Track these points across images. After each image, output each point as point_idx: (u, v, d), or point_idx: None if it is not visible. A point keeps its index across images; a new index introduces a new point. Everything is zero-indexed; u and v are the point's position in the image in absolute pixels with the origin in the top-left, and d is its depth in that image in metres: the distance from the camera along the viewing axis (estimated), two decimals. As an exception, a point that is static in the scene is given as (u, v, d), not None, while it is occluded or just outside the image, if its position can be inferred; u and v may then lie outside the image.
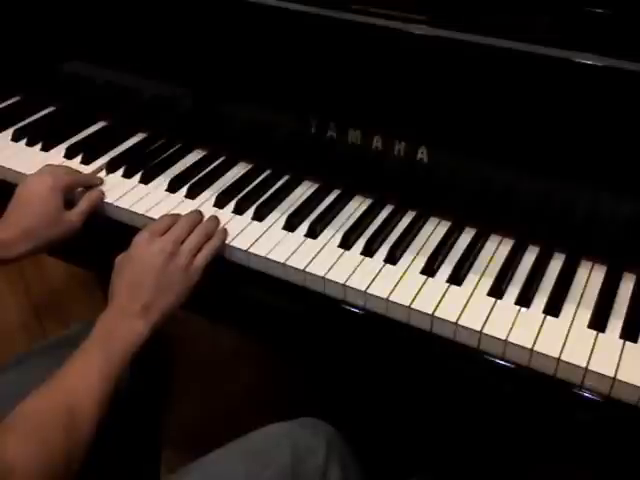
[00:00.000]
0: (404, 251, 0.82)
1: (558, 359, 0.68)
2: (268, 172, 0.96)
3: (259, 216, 0.87)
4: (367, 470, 0.85)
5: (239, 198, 0.90)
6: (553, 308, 0.73)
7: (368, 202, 0.90)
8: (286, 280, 0.81)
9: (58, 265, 1.71)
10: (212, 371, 1.55)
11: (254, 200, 0.90)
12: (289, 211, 0.88)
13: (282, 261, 0.80)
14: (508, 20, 0.76)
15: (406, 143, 0.84)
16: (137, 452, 0.98)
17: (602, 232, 0.78)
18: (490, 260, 0.80)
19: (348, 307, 0.78)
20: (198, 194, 0.92)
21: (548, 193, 0.79)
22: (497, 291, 0.75)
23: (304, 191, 0.93)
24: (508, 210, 0.83)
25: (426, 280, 0.77)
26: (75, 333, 0.88)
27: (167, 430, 1.06)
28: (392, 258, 0.80)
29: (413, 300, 0.74)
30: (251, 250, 0.82)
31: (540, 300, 0.74)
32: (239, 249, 0.82)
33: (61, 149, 1.02)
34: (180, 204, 0.90)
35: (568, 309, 0.73)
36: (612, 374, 0.66)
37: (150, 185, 0.94)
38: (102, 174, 0.96)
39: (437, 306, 0.73)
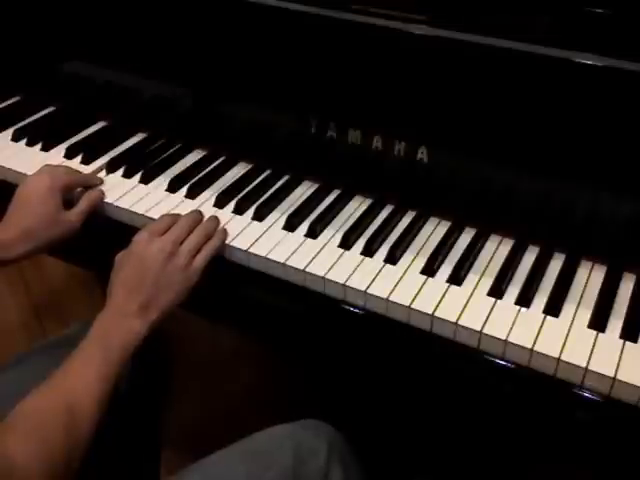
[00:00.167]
0: (404, 251, 0.82)
1: (558, 359, 0.68)
2: (268, 172, 0.96)
3: (259, 216, 0.87)
4: (368, 471, 0.85)
5: (239, 198, 0.90)
6: (553, 308, 0.73)
7: (368, 202, 0.90)
8: (286, 280, 0.81)
9: (58, 265, 1.71)
10: (212, 371, 1.55)
11: (254, 200, 0.90)
12: (289, 211, 0.88)
13: (282, 261, 0.80)
14: (508, 20, 0.76)
15: (406, 143, 0.84)
16: (137, 452, 0.98)
17: (602, 232, 0.78)
18: (490, 260, 0.80)
19: (348, 307, 0.78)
20: (198, 194, 0.92)
21: (548, 193, 0.79)
22: (497, 291, 0.75)
23: (304, 191, 0.93)
24: (508, 210, 0.83)
25: (426, 280, 0.77)
26: (75, 333, 0.88)
27: (167, 430, 1.06)
28: (392, 258, 0.80)
29: (413, 300, 0.74)
30: (251, 250, 0.82)
31: (540, 300, 0.74)
32: (239, 249, 0.82)
33: (61, 149, 1.02)
34: (180, 204, 0.90)
35: (568, 309, 0.73)
36: (612, 374, 0.66)
37: (150, 185, 0.94)
38: (102, 174, 0.96)
39: (437, 306, 0.73)
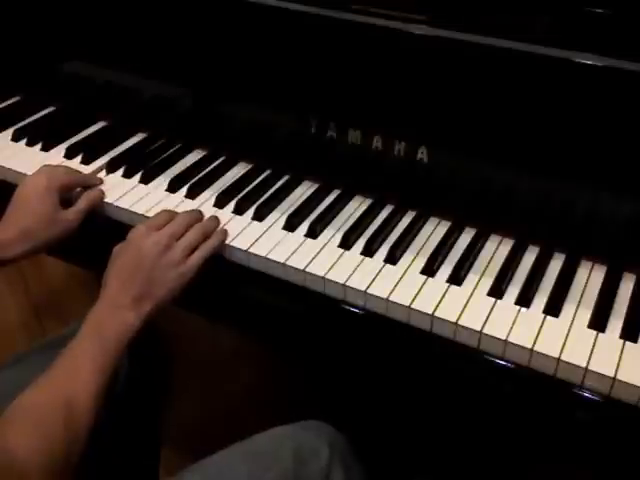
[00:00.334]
0: (404, 251, 0.82)
1: (558, 359, 0.68)
2: (268, 172, 0.96)
3: (259, 216, 0.87)
4: (369, 472, 0.85)
5: (239, 198, 0.90)
6: (553, 308, 0.73)
7: (368, 202, 0.90)
8: (286, 280, 0.81)
9: (58, 265, 1.71)
10: (212, 371, 1.55)
11: (254, 200, 0.90)
12: (289, 211, 0.88)
13: (282, 261, 0.80)
14: (508, 20, 0.76)
15: (406, 143, 0.84)
16: (136, 451, 0.98)
17: (602, 232, 0.78)
18: (490, 260, 0.80)
19: (348, 307, 0.78)
20: (198, 194, 0.92)
21: (548, 193, 0.79)
22: (497, 291, 0.75)
23: (304, 191, 0.93)
24: (508, 210, 0.83)
25: (426, 280, 0.77)
26: (74, 332, 0.87)
27: (167, 430, 1.06)
28: (392, 258, 0.80)
29: (413, 300, 0.74)
30: (251, 250, 0.82)
31: (540, 300, 0.74)
32: (239, 249, 0.82)
33: (61, 149, 1.02)
34: (180, 204, 0.90)
35: (568, 309, 0.73)
36: (612, 374, 0.66)
37: (150, 185, 0.94)
38: (102, 174, 0.96)
39: (437, 306, 0.73)
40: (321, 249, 0.82)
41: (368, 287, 0.76)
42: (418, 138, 0.83)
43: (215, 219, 0.85)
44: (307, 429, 0.80)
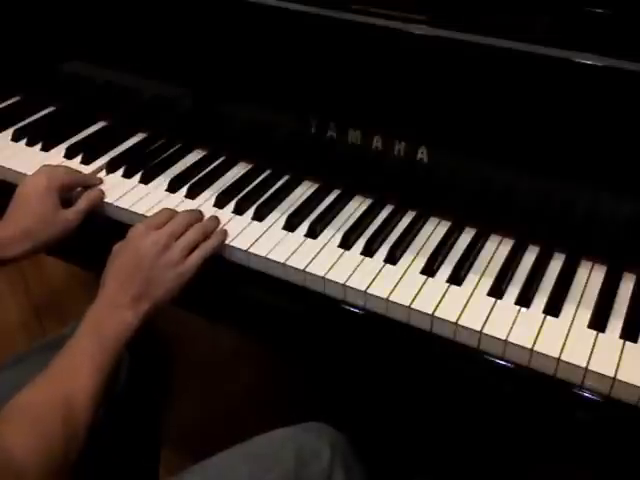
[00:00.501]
0: (404, 251, 0.82)
1: (558, 359, 0.68)
2: (268, 172, 0.96)
3: (259, 216, 0.87)
4: (370, 472, 0.85)
5: (239, 198, 0.90)
6: (553, 308, 0.73)
7: (368, 202, 0.90)
8: (286, 280, 0.81)
9: (58, 265, 1.71)
10: (212, 371, 1.55)
11: (254, 200, 0.90)
12: (289, 211, 0.88)
13: (282, 261, 0.80)
14: (508, 20, 0.76)
15: (406, 143, 0.84)
16: (137, 452, 0.98)
17: (602, 232, 0.78)
18: (490, 260, 0.80)
19: (348, 307, 0.78)
20: (198, 194, 0.92)
21: (548, 193, 0.79)
22: (497, 291, 0.75)
23: (304, 191, 0.93)
24: (508, 210, 0.83)
25: (426, 280, 0.77)
26: (73, 332, 0.87)
27: (167, 430, 1.06)
28: (392, 258, 0.80)
29: (413, 300, 0.74)
30: (251, 250, 0.82)
31: (540, 300, 0.74)
32: (239, 249, 0.82)
33: (61, 149, 1.02)
34: (180, 204, 0.90)
35: (568, 309, 0.73)
36: (612, 374, 0.66)
37: (150, 185, 0.94)
38: (102, 174, 0.96)
39: (437, 306, 0.73)
40: (321, 249, 0.82)
41: (368, 287, 0.76)
42: (418, 138, 0.83)
43: (215, 219, 0.85)
44: (308, 431, 0.80)
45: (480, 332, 0.71)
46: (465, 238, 0.84)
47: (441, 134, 0.82)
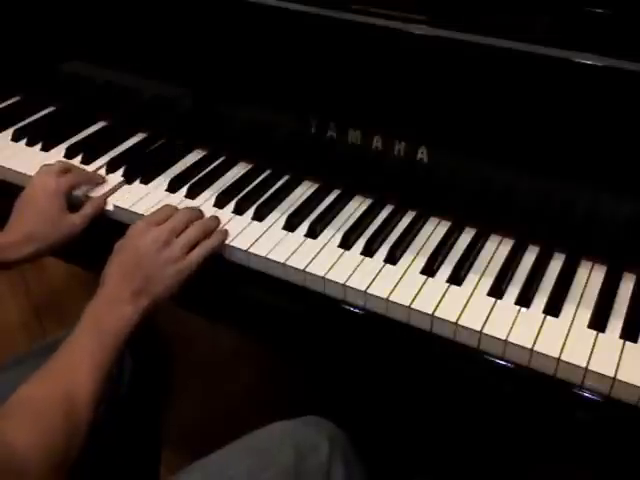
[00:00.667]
0: (404, 251, 0.82)
1: (558, 359, 0.68)
2: (268, 172, 0.96)
3: (259, 216, 0.87)
4: (369, 469, 0.85)
5: (239, 198, 0.90)
6: (553, 308, 0.73)
7: (368, 202, 0.90)
8: (286, 280, 0.81)
9: (59, 265, 1.71)
10: (212, 371, 1.55)
11: (254, 200, 0.90)
12: (289, 211, 0.88)
13: (282, 261, 0.80)
14: (508, 20, 0.76)
15: (406, 143, 0.84)
16: (137, 451, 0.98)
17: (602, 232, 0.78)
18: (490, 260, 0.80)
19: (348, 307, 0.78)
20: (198, 194, 0.92)
21: (548, 193, 0.79)
22: (497, 291, 0.75)
23: (304, 191, 0.93)
24: (508, 210, 0.83)
25: (426, 280, 0.77)
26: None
27: (167, 430, 1.06)
28: (392, 258, 0.80)
29: (413, 300, 0.74)
30: (251, 250, 0.82)
31: (540, 300, 0.74)
32: (239, 249, 0.82)
33: (61, 149, 1.02)
34: (180, 204, 0.90)
35: (568, 309, 0.73)
36: (612, 374, 0.66)
37: (150, 185, 0.94)
38: (102, 174, 0.96)
39: (437, 306, 0.73)
40: (321, 249, 0.82)
41: (368, 287, 0.76)
42: (418, 138, 0.83)
43: (215, 218, 0.85)
44: (307, 425, 0.80)
45: (480, 332, 0.71)
46: (465, 238, 0.84)
47: (441, 134, 0.82)
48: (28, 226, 0.83)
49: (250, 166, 0.98)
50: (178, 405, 1.13)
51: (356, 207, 0.89)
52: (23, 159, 1.00)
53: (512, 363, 0.70)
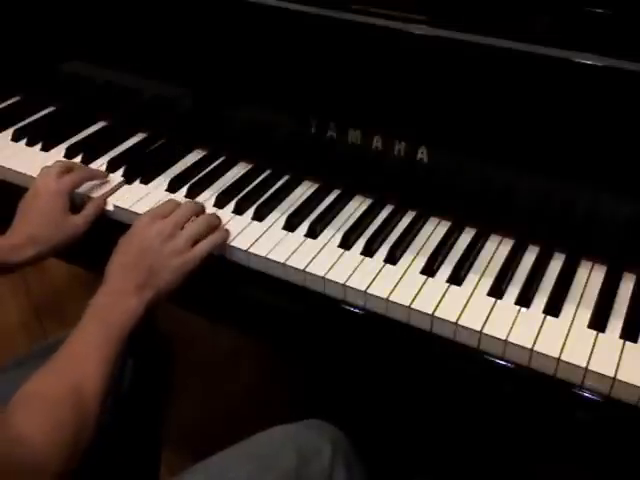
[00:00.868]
0: (404, 251, 0.82)
1: (558, 359, 0.68)
2: (268, 172, 0.96)
3: (259, 216, 0.87)
4: (371, 471, 0.85)
5: (239, 198, 0.90)
6: (553, 308, 0.73)
7: (368, 202, 0.90)
8: (286, 280, 0.81)
9: (59, 266, 1.71)
10: (212, 371, 1.56)
11: (254, 200, 0.90)
12: (289, 211, 0.88)
13: (282, 261, 0.80)
14: (508, 20, 0.76)
15: (406, 143, 0.84)
16: (137, 451, 0.98)
17: (602, 232, 0.78)
18: (490, 260, 0.80)
19: (348, 307, 0.78)
20: (198, 194, 0.92)
21: (548, 193, 0.79)
22: (497, 291, 0.75)
23: (304, 191, 0.93)
24: (508, 210, 0.83)
25: (426, 280, 0.77)
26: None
27: (167, 430, 1.06)
28: (392, 258, 0.80)
29: (413, 300, 0.74)
30: (251, 250, 0.82)
31: (540, 300, 0.74)
32: (239, 249, 0.82)
33: (61, 149, 1.02)
34: (180, 204, 0.90)
35: (568, 309, 0.73)
36: (612, 374, 0.66)
37: (150, 185, 0.94)
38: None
39: (437, 306, 0.73)
40: (321, 249, 0.82)
41: (368, 287, 0.76)
42: (418, 138, 0.83)
43: (218, 216, 0.85)
44: (309, 428, 0.80)
45: (480, 332, 0.71)
46: (465, 238, 0.84)
47: (441, 134, 0.82)
48: (31, 229, 0.83)
49: (250, 166, 0.98)
50: (178, 405, 1.13)
51: (356, 207, 0.89)
52: (23, 159, 1.00)
53: (512, 363, 0.70)
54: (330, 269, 0.79)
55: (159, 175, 0.96)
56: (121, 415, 0.84)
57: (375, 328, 0.77)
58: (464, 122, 0.80)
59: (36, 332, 1.70)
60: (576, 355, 0.68)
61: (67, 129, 1.07)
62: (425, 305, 0.74)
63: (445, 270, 0.78)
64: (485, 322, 0.71)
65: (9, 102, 1.16)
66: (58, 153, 1.02)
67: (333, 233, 0.85)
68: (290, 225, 0.85)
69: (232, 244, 0.83)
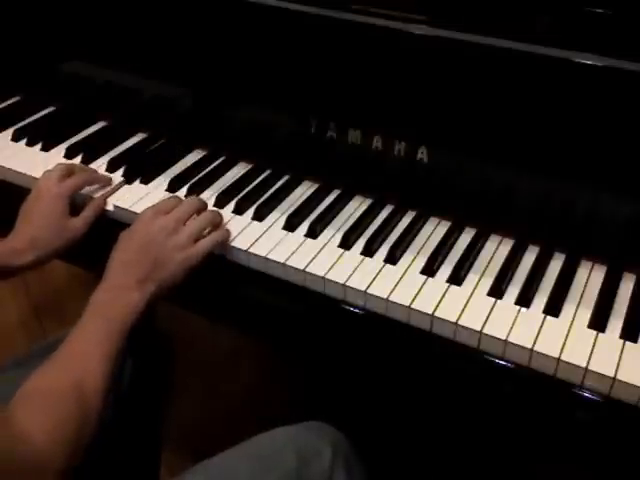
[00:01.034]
0: (404, 251, 0.82)
1: (558, 359, 0.68)
2: (268, 172, 0.96)
3: (259, 216, 0.87)
4: (371, 472, 0.85)
5: (239, 198, 0.90)
6: (553, 308, 0.73)
7: (368, 202, 0.90)
8: (286, 280, 0.81)
9: (59, 266, 1.70)
10: (212, 371, 1.56)
11: (254, 200, 0.90)
12: (289, 211, 0.88)
13: (282, 261, 0.80)
14: (508, 20, 0.76)
15: (406, 143, 0.84)
16: (137, 451, 0.98)
17: (602, 232, 0.78)
18: (490, 260, 0.80)
19: (348, 307, 0.78)
20: (198, 194, 0.92)
21: (548, 193, 0.79)
22: (497, 291, 0.75)
23: (304, 191, 0.93)
24: (508, 210, 0.83)
25: (426, 280, 0.77)
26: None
27: (167, 430, 1.06)
28: (392, 258, 0.80)
29: (413, 300, 0.74)
30: (251, 250, 0.82)
31: (540, 300, 0.74)
32: (239, 249, 0.82)
33: (61, 149, 1.02)
34: (180, 204, 0.90)
35: (568, 309, 0.73)
36: (612, 374, 0.66)
37: (150, 185, 0.94)
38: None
39: (437, 306, 0.73)
40: (321, 249, 0.82)
41: (368, 287, 0.76)
42: (418, 138, 0.83)
43: (219, 214, 0.85)
44: (309, 430, 0.80)
45: (480, 332, 0.71)
46: (465, 238, 0.84)
47: (441, 134, 0.82)
48: (32, 232, 0.83)
49: (250, 166, 0.98)
50: (178, 405, 1.13)
51: (356, 207, 0.89)
52: (23, 159, 1.00)
53: (512, 363, 0.70)
54: (330, 269, 0.79)
55: (159, 175, 0.96)
56: (121, 415, 0.84)
57: (375, 328, 0.77)
58: (464, 122, 0.80)
59: (36, 332, 1.70)
60: (576, 355, 0.68)
61: (67, 129, 1.07)
62: (425, 305, 0.74)
63: (445, 270, 0.78)
64: (485, 322, 0.71)
65: (9, 102, 1.16)
66: (58, 153, 1.02)
67: (333, 233, 0.85)
68: (290, 225, 0.85)
69: (232, 244, 0.83)
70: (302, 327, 0.83)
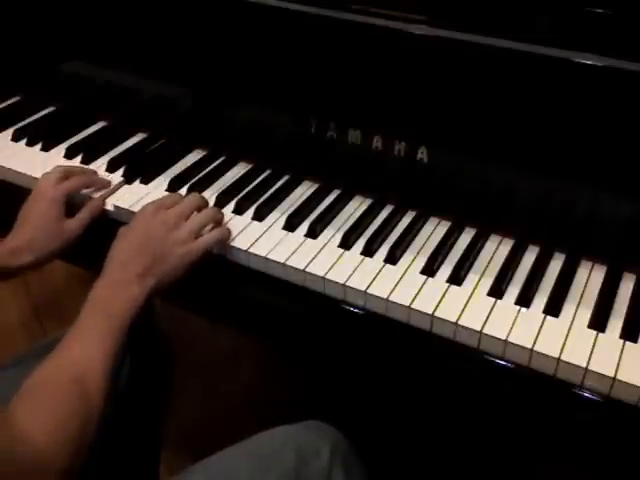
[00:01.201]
0: (404, 251, 0.82)
1: (558, 359, 0.68)
2: (268, 172, 0.96)
3: (259, 216, 0.87)
4: (370, 472, 0.85)
5: (239, 198, 0.90)
6: (553, 308, 0.73)
7: (368, 202, 0.90)
8: (286, 280, 0.81)
9: (59, 266, 1.70)
10: (211, 371, 1.56)
11: (254, 200, 0.90)
12: (289, 211, 0.88)
13: (282, 261, 0.80)
14: (508, 20, 0.76)
15: (406, 143, 0.84)
16: (137, 451, 0.98)
17: (602, 232, 0.78)
18: (490, 260, 0.80)
19: (348, 307, 0.78)
20: (198, 194, 0.92)
21: (548, 193, 0.79)
22: (497, 291, 0.75)
23: (304, 191, 0.93)
24: (508, 210, 0.83)
25: (426, 280, 0.77)
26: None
27: (167, 430, 1.06)
28: (392, 258, 0.80)
29: (413, 300, 0.74)
30: (251, 250, 0.82)
31: (540, 300, 0.74)
32: (239, 249, 0.82)
33: (61, 149, 1.02)
34: (180, 204, 0.90)
35: (568, 309, 0.73)
36: (612, 374, 0.66)
37: (150, 185, 0.94)
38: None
39: (437, 306, 0.73)
40: (321, 249, 0.82)
41: (368, 287, 0.76)
42: (418, 138, 0.83)
43: (221, 211, 0.85)
44: (308, 429, 0.80)
45: (480, 332, 0.71)
46: (465, 238, 0.84)
47: (441, 134, 0.82)
48: (30, 233, 0.83)
49: (250, 166, 0.98)
50: (178, 405, 1.13)
51: (356, 207, 0.89)
52: (23, 159, 1.00)
53: (512, 363, 0.70)
54: (330, 269, 0.79)
55: (159, 175, 0.96)
56: (120, 415, 0.84)
57: (375, 328, 0.77)
58: (464, 122, 0.80)
59: (36, 332, 1.70)
60: (576, 355, 0.68)
61: (67, 129, 1.07)
62: (425, 305, 0.74)
63: (445, 270, 0.78)
64: (485, 322, 0.71)
65: (9, 102, 1.16)
66: (58, 153, 1.02)
67: (333, 233, 0.85)
68: (290, 225, 0.85)
69: (232, 244, 0.83)
70: (302, 327, 0.83)
